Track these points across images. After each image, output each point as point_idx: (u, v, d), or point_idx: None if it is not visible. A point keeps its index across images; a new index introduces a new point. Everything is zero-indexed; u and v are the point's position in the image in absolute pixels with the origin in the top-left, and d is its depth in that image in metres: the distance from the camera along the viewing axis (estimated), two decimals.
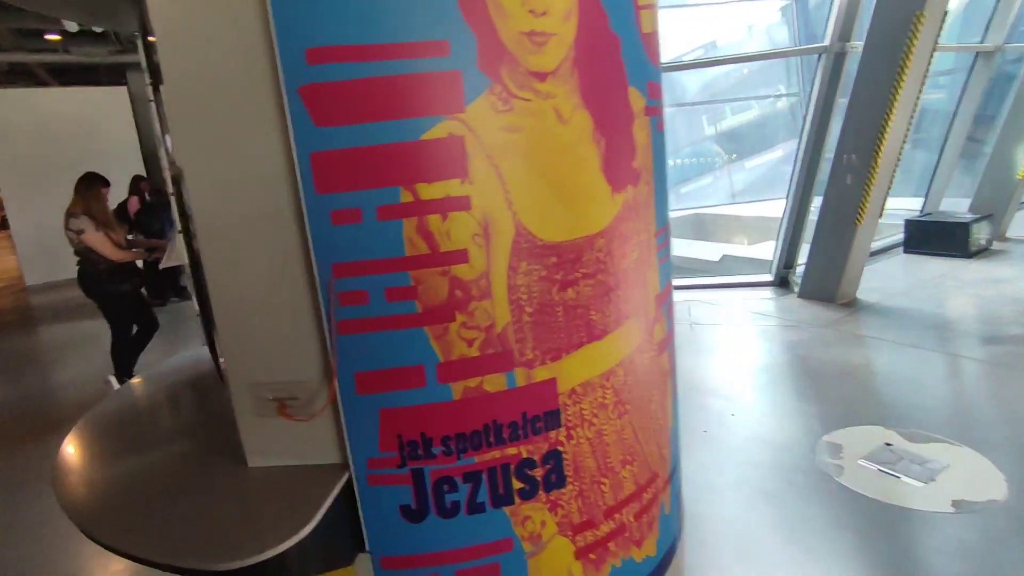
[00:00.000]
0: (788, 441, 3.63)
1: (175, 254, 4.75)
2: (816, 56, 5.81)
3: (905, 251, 7.28)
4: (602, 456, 1.46)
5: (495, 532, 1.36)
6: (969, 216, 6.83)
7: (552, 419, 1.37)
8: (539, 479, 1.38)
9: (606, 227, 1.39)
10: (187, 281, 7.93)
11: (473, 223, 1.22)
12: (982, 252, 6.86)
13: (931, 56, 4.92)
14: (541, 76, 1.23)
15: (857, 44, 5.50)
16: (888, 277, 6.55)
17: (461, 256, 1.23)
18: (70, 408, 4.99)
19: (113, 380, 4.83)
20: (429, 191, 1.19)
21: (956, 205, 8.13)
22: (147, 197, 7.21)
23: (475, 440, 1.31)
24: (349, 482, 1.31)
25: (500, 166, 1.22)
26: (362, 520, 1.33)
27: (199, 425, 1.68)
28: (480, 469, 1.33)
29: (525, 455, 1.35)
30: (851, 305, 5.76)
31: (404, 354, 1.25)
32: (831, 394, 4.21)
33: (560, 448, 1.39)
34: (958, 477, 3.15)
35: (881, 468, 3.28)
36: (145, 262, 4.70)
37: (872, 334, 5.08)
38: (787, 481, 3.25)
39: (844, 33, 5.55)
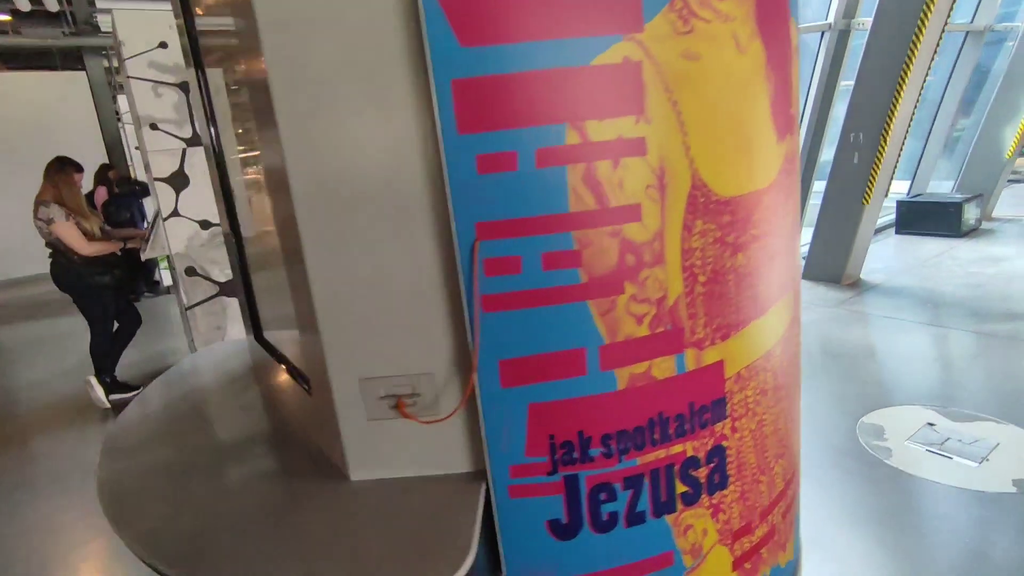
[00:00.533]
0: (827, 423, 3.51)
1: (158, 244, 4.36)
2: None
3: (897, 232, 7.33)
4: (761, 450, 1.26)
5: (655, 546, 1.14)
6: (960, 196, 6.89)
7: (719, 409, 1.15)
8: (703, 480, 1.16)
9: (772, 181, 1.18)
10: (162, 274, 7.44)
11: (648, 172, 0.99)
12: (973, 232, 6.94)
13: (942, 33, 4.87)
14: None
15: (862, 20, 5.42)
16: (886, 257, 6.55)
17: (633, 212, 1.00)
18: (40, 411, 4.56)
19: (93, 381, 4.43)
20: (600, 130, 0.95)
21: (936, 187, 8.24)
22: (115, 188, 6.70)
23: (638, 438, 1.09)
24: (486, 495, 1.07)
25: (679, 101, 0.99)
26: (499, 539, 1.10)
27: (264, 432, 1.40)
28: (642, 472, 1.10)
29: (691, 453, 1.14)
30: (857, 286, 5.73)
31: (563, 335, 1.01)
32: (859, 374, 4.12)
33: (724, 443, 1.18)
34: (1011, 455, 3.07)
35: (930, 449, 3.18)
36: (120, 253, 4.29)
37: (885, 313, 5.04)
38: (836, 465, 3.13)
39: (849, 10, 5.47)
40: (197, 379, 1.78)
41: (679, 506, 1.15)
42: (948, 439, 3.25)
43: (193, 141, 4.19)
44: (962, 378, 3.96)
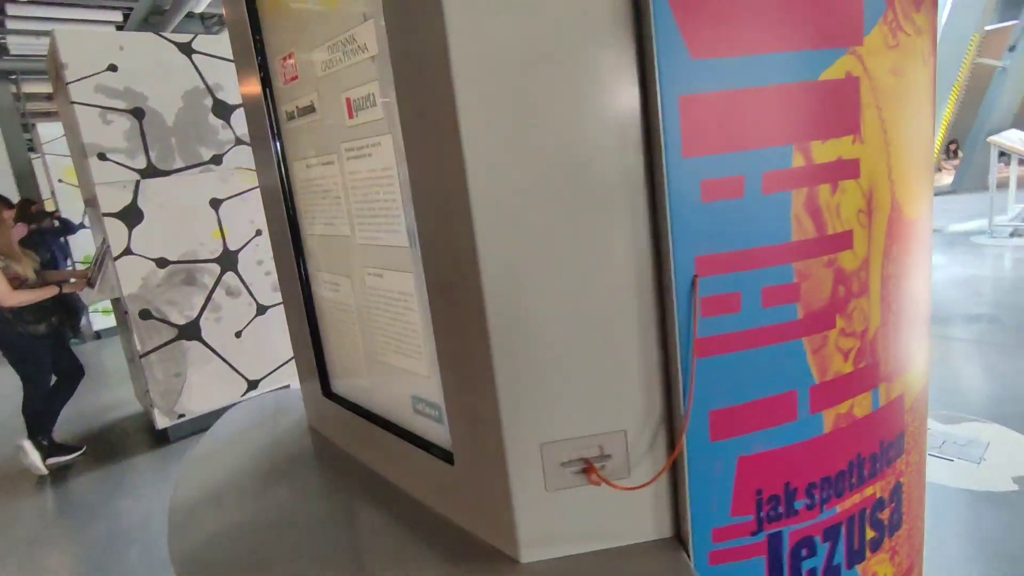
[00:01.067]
0: None
1: (107, 285, 3.93)
2: None
3: None
4: (920, 484, 1.20)
5: None
6: None
7: (900, 444, 1.08)
8: (886, 523, 1.08)
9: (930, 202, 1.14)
10: (90, 318, 6.74)
11: (860, 196, 0.92)
12: None
13: None
14: (917, 4, 0.96)
15: None
16: None
17: (846, 240, 0.91)
18: None
19: (27, 445, 3.88)
20: (822, 152, 0.87)
21: None
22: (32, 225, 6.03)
23: (840, 484, 0.99)
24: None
25: (886, 120, 0.93)
26: None
27: (367, 506, 1.20)
28: (840, 521, 1.01)
29: (879, 494, 1.06)
30: None
31: (776, 378, 0.91)
32: None
33: (902, 480, 1.11)
34: (1004, 454, 3.23)
35: (931, 453, 3.29)
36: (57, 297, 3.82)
37: None
38: None
39: None
40: (252, 439, 1.53)
41: (867, 553, 1.06)
42: (944, 442, 3.38)
43: (148, 172, 3.82)
44: (934, 381, 4.16)
